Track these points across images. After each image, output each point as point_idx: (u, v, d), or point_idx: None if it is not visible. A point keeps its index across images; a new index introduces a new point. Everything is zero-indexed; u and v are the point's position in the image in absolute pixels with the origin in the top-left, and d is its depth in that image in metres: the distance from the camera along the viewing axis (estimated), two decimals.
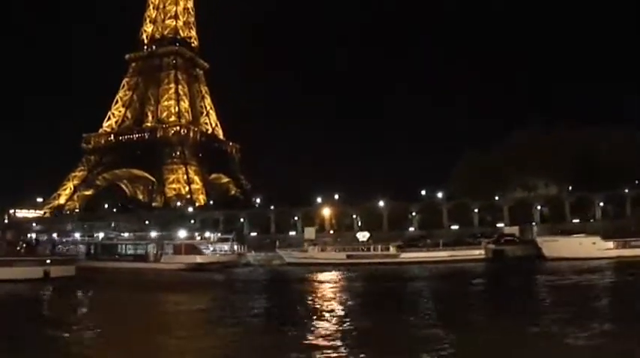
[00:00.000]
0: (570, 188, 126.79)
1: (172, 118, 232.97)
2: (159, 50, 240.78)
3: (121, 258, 79.44)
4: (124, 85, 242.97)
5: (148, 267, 75.32)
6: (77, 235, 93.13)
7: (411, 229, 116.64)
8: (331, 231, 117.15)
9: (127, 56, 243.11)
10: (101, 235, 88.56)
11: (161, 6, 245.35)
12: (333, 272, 67.25)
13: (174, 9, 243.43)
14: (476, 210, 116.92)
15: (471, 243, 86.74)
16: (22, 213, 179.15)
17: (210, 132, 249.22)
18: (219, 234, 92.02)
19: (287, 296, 47.14)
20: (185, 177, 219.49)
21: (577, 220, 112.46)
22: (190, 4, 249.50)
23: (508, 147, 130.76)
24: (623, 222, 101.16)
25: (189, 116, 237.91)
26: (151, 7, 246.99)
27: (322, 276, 63.12)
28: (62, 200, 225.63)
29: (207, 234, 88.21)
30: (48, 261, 60.70)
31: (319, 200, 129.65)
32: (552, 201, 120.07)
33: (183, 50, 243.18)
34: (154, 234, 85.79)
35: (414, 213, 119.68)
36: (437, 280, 57.79)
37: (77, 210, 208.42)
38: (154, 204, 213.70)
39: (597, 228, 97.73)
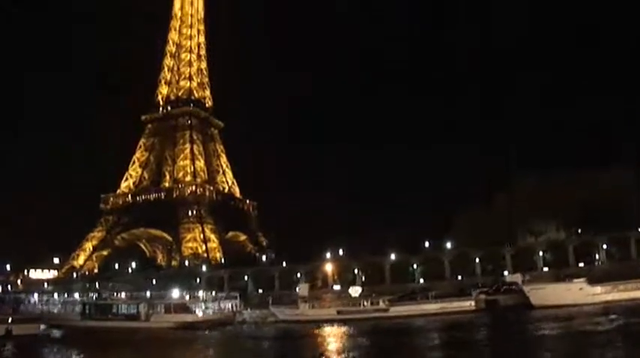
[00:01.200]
0: (579, 231, 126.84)
1: (188, 178, 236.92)
2: (174, 111, 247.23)
3: (114, 318, 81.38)
4: (140, 146, 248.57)
5: (138, 326, 77.29)
6: (77, 295, 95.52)
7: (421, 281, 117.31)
8: (337, 287, 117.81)
9: (142, 117, 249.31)
10: (96, 295, 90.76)
11: (175, 68, 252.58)
12: (324, 329, 68.55)
13: (189, 71, 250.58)
14: (477, 260, 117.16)
15: (469, 294, 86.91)
16: (36, 274, 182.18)
17: (226, 190, 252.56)
18: (212, 293, 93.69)
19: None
20: (201, 236, 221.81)
21: (582, 264, 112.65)
22: (204, 65, 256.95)
23: (509, 193, 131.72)
24: (630, 264, 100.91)
25: (204, 175, 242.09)
26: (166, 69, 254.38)
27: (310, 332, 64.64)
28: (81, 260, 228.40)
29: (199, 293, 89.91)
30: (10, 320, 63.11)
31: (328, 255, 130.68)
32: (555, 246, 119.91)
33: (198, 111, 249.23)
34: (148, 293, 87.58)
35: (415, 266, 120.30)
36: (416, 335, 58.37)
37: (96, 271, 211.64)
38: (173, 263, 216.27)
39: (603, 271, 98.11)
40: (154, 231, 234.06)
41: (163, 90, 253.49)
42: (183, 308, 79.74)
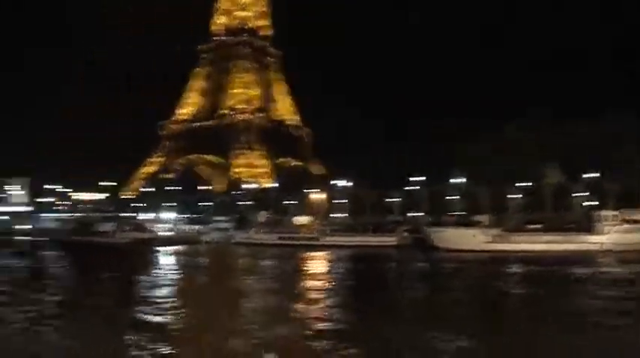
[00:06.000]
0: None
1: (241, 106, 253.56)
2: (228, 40, 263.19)
3: (93, 234, 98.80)
4: (196, 75, 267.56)
5: (107, 241, 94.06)
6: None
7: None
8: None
9: (198, 47, 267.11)
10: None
11: None
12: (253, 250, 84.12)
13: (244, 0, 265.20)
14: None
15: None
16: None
17: (280, 118, 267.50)
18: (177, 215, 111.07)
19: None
20: (250, 161, 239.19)
21: None
22: None
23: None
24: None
25: (258, 103, 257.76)
26: None
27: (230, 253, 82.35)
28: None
29: (165, 215, 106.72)
30: None
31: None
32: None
33: (253, 40, 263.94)
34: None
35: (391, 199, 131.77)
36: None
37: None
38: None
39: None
40: (207, 156, 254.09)
41: (219, 19, 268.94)
42: (139, 227, 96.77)
